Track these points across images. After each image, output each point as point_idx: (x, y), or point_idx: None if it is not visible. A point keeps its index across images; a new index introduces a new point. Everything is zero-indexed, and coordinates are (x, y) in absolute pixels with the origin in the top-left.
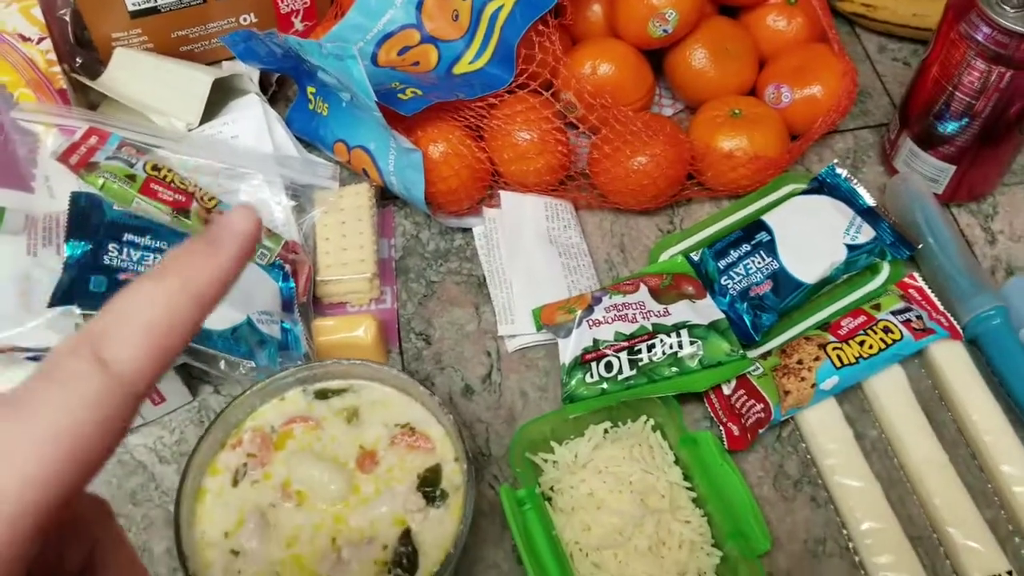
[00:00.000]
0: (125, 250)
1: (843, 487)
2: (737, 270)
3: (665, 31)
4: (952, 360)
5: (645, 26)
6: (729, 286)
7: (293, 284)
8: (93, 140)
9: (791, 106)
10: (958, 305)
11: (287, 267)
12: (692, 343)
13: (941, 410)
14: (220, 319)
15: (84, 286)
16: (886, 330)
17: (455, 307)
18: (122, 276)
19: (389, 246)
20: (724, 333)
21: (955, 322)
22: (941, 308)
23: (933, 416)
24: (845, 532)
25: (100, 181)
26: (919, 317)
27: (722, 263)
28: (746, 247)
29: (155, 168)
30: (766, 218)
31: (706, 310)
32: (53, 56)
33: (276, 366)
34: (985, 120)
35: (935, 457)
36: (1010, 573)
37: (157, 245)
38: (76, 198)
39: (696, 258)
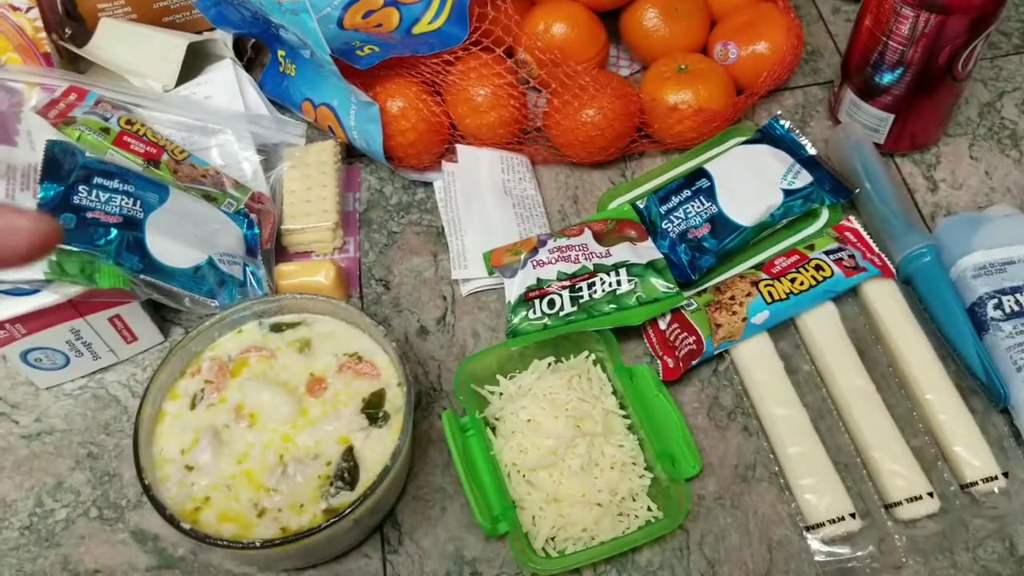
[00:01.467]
0: (94, 192)
1: (772, 415)
2: (677, 214)
3: None
4: (884, 297)
5: None
6: (669, 229)
7: (258, 231)
8: (72, 97)
9: (738, 62)
10: (892, 245)
11: (252, 216)
12: (630, 281)
13: (874, 347)
14: (182, 257)
15: None
16: (817, 268)
17: (414, 255)
18: (90, 215)
19: (354, 199)
20: (661, 272)
21: (888, 262)
22: (876, 249)
23: (866, 352)
24: (773, 457)
25: (76, 133)
26: (851, 256)
27: (664, 208)
28: (687, 192)
29: (129, 123)
30: (707, 166)
31: (645, 251)
32: (40, 23)
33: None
34: (917, 68)
35: (863, 387)
36: (931, 494)
37: (125, 188)
38: (51, 146)
39: (642, 205)
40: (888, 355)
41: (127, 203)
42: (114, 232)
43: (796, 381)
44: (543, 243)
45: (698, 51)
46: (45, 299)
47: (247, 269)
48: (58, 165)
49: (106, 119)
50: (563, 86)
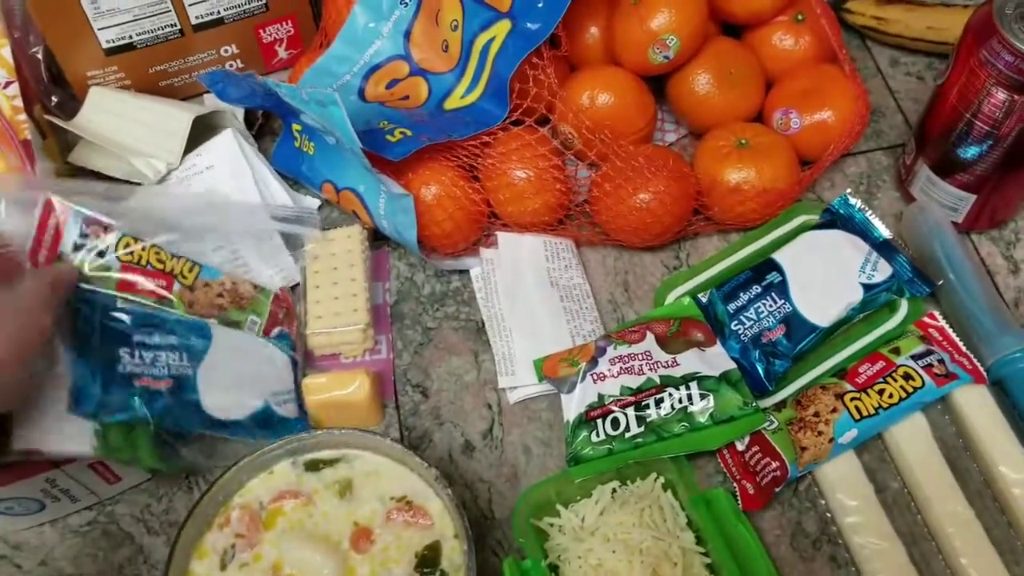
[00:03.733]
0: (137, 353)
1: (865, 548)
2: (748, 314)
3: (666, 57)
4: (977, 406)
5: (645, 53)
6: (740, 332)
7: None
8: (53, 223)
9: (800, 132)
10: (981, 345)
11: (288, 331)
12: (703, 397)
13: (966, 459)
14: (239, 407)
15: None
16: (907, 377)
17: (453, 355)
18: (138, 383)
19: (383, 290)
20: (736, 385)
21: (978, 364)
22: (964, 349)
23: (957, 466)
24: None
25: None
26: (941, 361)
27: (732, 306)
28: (757, 289)
29: (127, 249)
30: (777, 256)
31: (716, 359)
32: (19, 103)
33: None
34: (1007, 149)
35: (961, 512)
36: None
37: (168, 341)
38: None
39: (704, 300)
40: (983, 470)
41: (173, 359)
42: (164, 398)
43: (884, 500)
44: (602, 351)
45: (754, 117)
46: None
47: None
48: (84, 330)
49: (101, 253)
50: (614, 168)
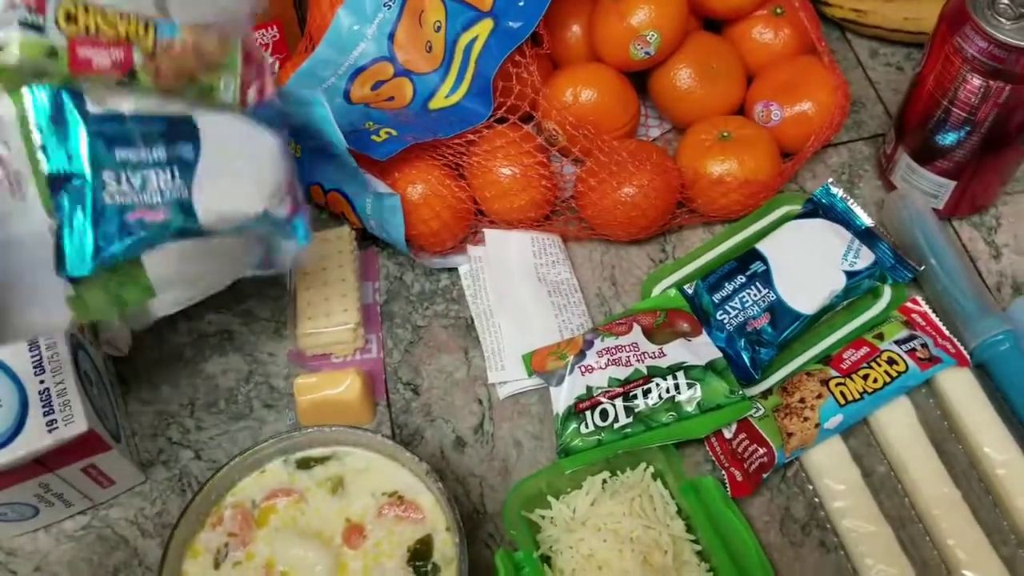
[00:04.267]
0: (124, 176)
1: (853, 532)
2: (733, 304)
3: (647, 53)
4: (961, 388)
5: (627, 49)
6: (725, 321)
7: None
8: None
9: (781, 124)
10: (964, 329)
11: (265, 91)
12: (689, 386)
13: (951, 441)
14: (238, 222)
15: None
16: (891, 361)
17: (443, 353)
18: (131, 216)
19: (373, 290)
20: (722, 374)
21: (962, 348)
22: (947, 333)
23: (943, 448)
24: None
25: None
26: (924, 345)
27: (717, 296)
28: (741, 279)
29: (69, 17)
30: (760, 247)
31: (702, 349)
32: None
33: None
34: (984, 135)
35: (947, 494)
36: None
37: (155, 155)
38: (39, 108)
39: (690, 291)
40: (968, 452)
41: (166, 179)
42: (167, 233)
43: (871, 484)
44: (589, 344)
45: (735, 110)
46: (7, 457)
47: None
48: (58, 139)
49: (39, 26)
50: (598, 163)
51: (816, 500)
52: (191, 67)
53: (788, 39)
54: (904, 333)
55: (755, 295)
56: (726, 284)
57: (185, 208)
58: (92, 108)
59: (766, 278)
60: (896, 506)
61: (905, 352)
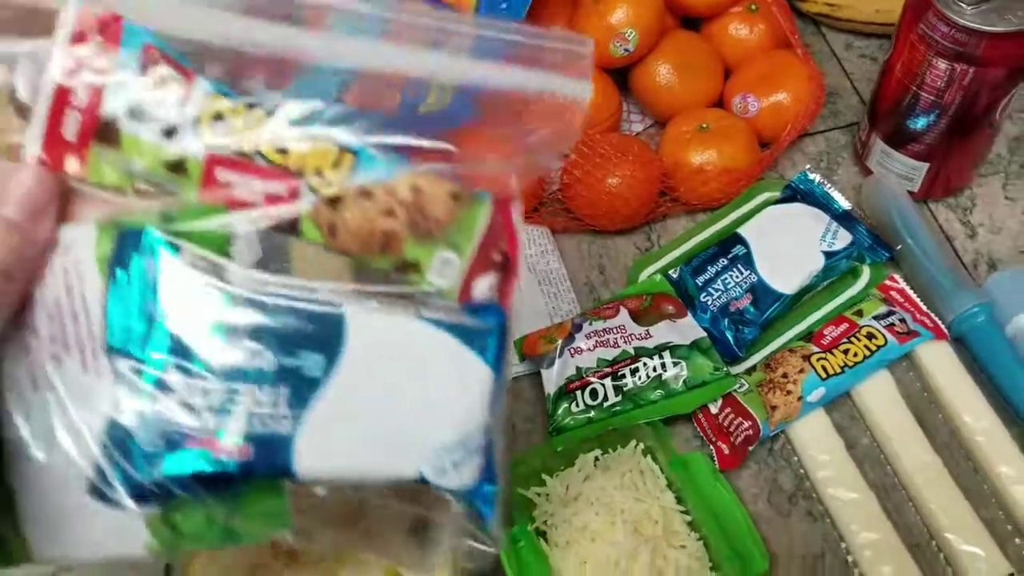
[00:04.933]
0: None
1: (838, 500)
2: (716, 286)
3: (627, 51)
4: (939, 361)
5: (607, 47)
6: (709, 303)
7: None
8: (97, 55)
9: (759, 115)
10: (941, 304)
11: (502, 293)
12: (675, 364)
13: (932, 412)
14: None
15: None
16: (870, 336)
17: None
18: (191, 444)
19: None
20: (707, 352)
21: (939, 322)
22: (925, 309)
23: (924, 419)
24: (844, 545)
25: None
26: (903, 320)
27: (700, 280)
28: (723, 262)
29: (220, 120)
30: (741, 231)
31: (687, 329)
32: None
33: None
34: (952, 117)
35: (929, 462)
36: (1012, 575)
37: (259, 365)
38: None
39: (675, 276)
40: (949, 421)
41: (263, 400)
42: (232, 477)
43: (856, 455)
44: (578, 327)
45: (714, 103)
46: None
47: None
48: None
49: (169, 132)
50: (582, 156)
51: (802, 471)
52: (393, 229)
53: (763, 34)
54: (883, 309)
55: (737, 277)
56: (709, 267)
57: (276, 450)
58: (184, 273)
59: (747, 260)
60: (880, 475)
61: (884, 327)
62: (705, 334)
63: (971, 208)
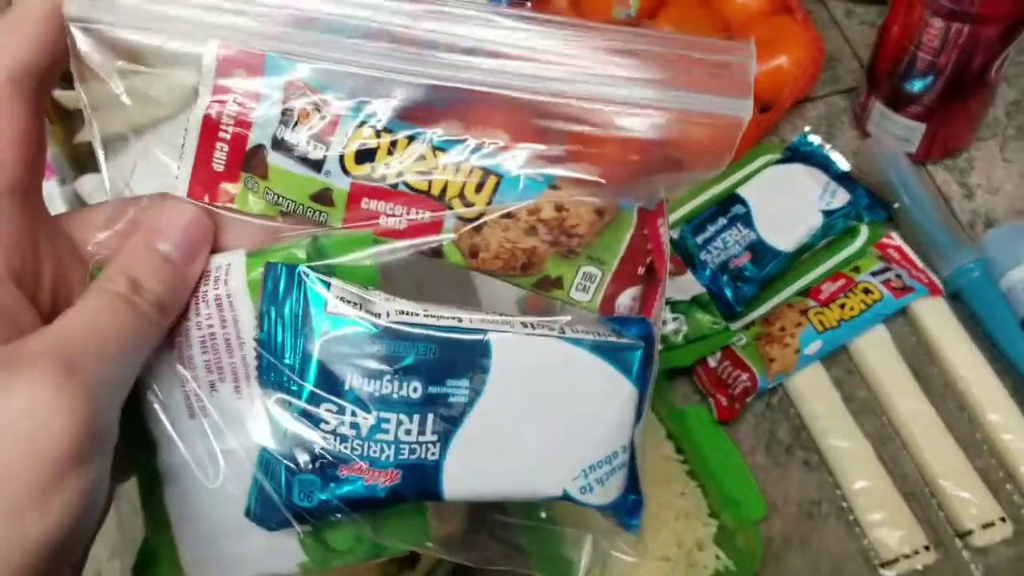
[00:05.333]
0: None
1: (834, 448)
2: (715, 244)
3: (628, 14)
4: (935, 316)
5: (609, 11)
6: (708, 260)
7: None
8: (238, 86)
9: (758, 78)
10: (937, 261)
11: (649, 308)
12: (675, 319)
13: (928, 366)
14: (507, 501)
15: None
16: (866, 291)
17: None
18: (344, 471)
19: None
20: (706, 307)
21: (935, 278)
22: (921, 266)
23: (920, 372)
24: (839, 492)
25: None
26: (898, 276)
27: (700, 238)
28: (723, 221)
29: (362, 157)
30: (741, 191)
31: (687, 285)
32: None
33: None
34: (949, 76)
35: (923, 411)
36: (1003, 519)
37: (407, 394)
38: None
39: (675, 236)
40: (943, 374)
41: (409, 428)
42: (381, 501)
43: (853, 409)
44: None
45: None
46: None
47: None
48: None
49: (317, 165)
50: None
51: (799, 423)
52: (536, 248)
53: (764, 1)
54: (879, 266)
55: (736, 235)
56: (708, 226)
57: (425, 475)
58: (333, 307)
59: (747, 219)
60: (875, 426)
61: (880, 282)
62: (704, 290)
63: (969, 170)
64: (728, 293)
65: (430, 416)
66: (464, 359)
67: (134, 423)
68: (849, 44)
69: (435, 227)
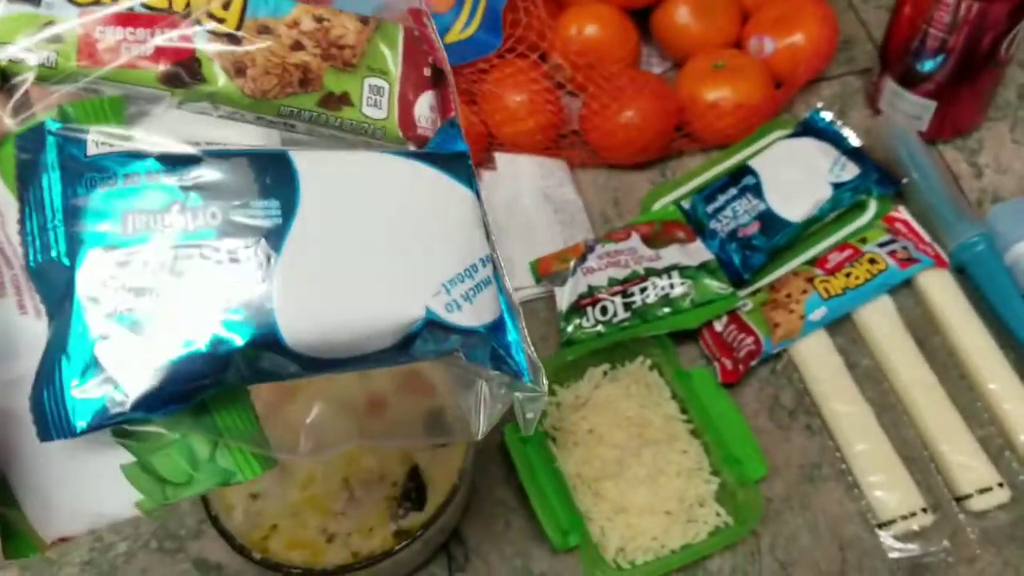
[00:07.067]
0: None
1: (836, 412)
2: (725, 213)
3: None
4: (939, 287)
5: None
6: (718, 229)
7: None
8: None
9: (774, 55)
10: (943, 234)
11: (452, 112)
12: (683, 283)
13: (931, 336)
14: (364, 333)
15: None
16: (872, 261)
17: None
18: (146, 330)
19: None
20: (714, 272)
21: (941, 251)
22: (927, 239)
23: (924, 342)
24: (839, 455)
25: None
26: (904, 248)
27: (710, 208)
28: (733, 191)
29: None
30: (752, 163)
31: (696, 252)
32: None
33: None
34: (960, 55)
35: (925, 379)
36: (1001, 485)
37: (204, 223)
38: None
39: (687, 206)
40: (947, 345)
41: (218, 259)
42: (234, 357)
43: (856, 376)
44: (591, 249)
45: (732, 46)
46: None
47: (507, 315)
48: (35, 208)
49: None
50: (600, 88)
51: (802, 387)
52: (308, 64)
53: None
54: (886, 237)
55: (746, 205)
56: (719, 196)
57: (254, 315)
58: (93, 148)
59: (757, 190)
60: (878, 393)
61: (886, 253)
62: (713, 257)
63: (978, 150)
64: (736, 260)
65: (243, 241)
66: (261, 177)
67: None
68: (864, 27)
69: (186, 51)
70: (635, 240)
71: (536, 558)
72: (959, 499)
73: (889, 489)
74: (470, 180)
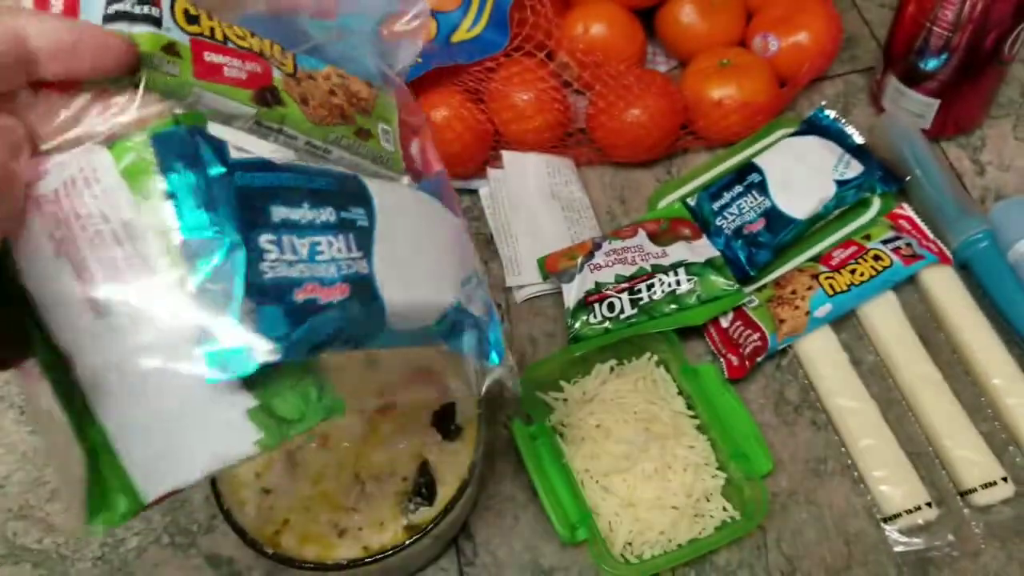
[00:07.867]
0: (285, 241)
1: (841, 408)
2: (731, 210)
3: None
4: (943, 284)
5: None
6: (723, 226)
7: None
8: None
9: (778, 54)
10: (947, 231)
11: (424, 158)
12: (689, 280)
13: (935, 332)
14: (426, 307)
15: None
16: (876, 258)
17: None
18: (299, 294)
19: None
20: (720, 269)
21: (944, 248)
22: (931, 236)
23: (927, 339)
24: (844, 450)
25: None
26: (908, 244)
27: (716, 205)
28: (738, 188)
29: (189, 18)
30: (757, 160)
31: (702, 249)
32: None
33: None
34: (963, 53)
35: (930, 375)
36: (1005, 479)
37: (323, 216)
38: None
39: (693, 203)
40: (951, 341)
41: (339, 247)
42: (343, 316)
43: (861, 372)
44: (598, 246)
45: (736, 44)
46: None
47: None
48: (193, 193)
49: (156, 19)
50: (606, 87)
51: (807, 383)
52: (341, 104)
53: None
54: (890, 234)
55: (752, 202)
56: (725, 193)
57: (365, 286)
58: (234, 153)
59: (762, 187)
60: (883, 389)
61: (890, 250)
62: (719, 254)
63: (981, 148)
64: (742, 256)
65: (350, 235)
66: (351, 190)
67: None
68: (868, 26)
69: (267, 76)
70: (642, 237)
71: (545, 552)
72: (963, 494)
73: (894, 484)
74: (457, 214)
